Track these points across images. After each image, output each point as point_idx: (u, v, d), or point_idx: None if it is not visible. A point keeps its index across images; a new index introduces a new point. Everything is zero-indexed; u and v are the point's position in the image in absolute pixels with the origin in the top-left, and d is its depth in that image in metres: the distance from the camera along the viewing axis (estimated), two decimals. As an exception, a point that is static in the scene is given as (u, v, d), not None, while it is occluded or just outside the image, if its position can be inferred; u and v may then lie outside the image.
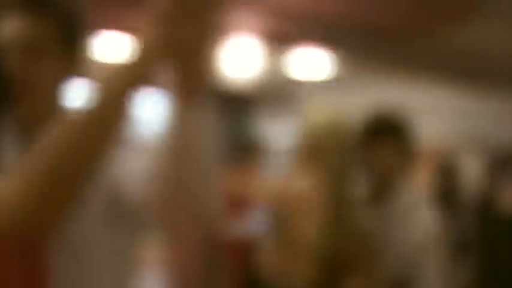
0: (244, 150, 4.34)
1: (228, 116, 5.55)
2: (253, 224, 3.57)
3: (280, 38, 6.19)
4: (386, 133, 2.37)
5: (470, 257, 5.15)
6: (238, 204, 3.80)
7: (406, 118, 2.44)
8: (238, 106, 5.54)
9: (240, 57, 5.86)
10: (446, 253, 2.37)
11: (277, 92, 8.63)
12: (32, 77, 1.29)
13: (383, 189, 2.37)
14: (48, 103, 1.32)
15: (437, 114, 8.03)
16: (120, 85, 1.09)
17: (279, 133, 6.81)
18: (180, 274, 4.05)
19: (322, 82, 8.07)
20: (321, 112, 2.41)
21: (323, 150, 2.31)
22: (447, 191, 5.84)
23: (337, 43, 6.37)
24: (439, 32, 5.98)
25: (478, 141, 7.69)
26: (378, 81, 7.70)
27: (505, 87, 7.29)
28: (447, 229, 5.87)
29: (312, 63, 6.85)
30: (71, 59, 1.34)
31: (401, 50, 6.51)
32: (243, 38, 5.89)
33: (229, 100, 5.66)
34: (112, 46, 5.82)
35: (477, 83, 7.33)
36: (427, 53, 6.55)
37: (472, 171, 6.31)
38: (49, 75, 1.31)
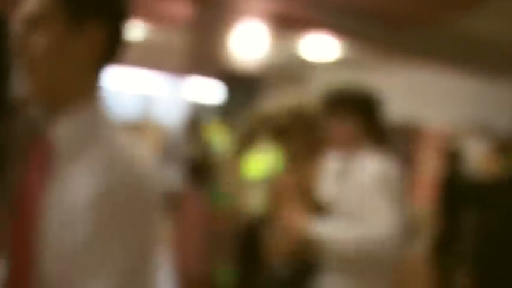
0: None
1: (238, 98, 5.69)
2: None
3: (290, 23, 6.28)
4: (343, 105, 2.36)
5: (467, 247, 5.21)
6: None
7: (368, 93, 2.41)
8: (248, 88, 5.67)
9: (250, 40, 5.95)
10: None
11: (287, 75, 8.73)
12: (36, 50, 1.27)
13: (346, 160, 2.37)
14: (60, 78, 1.29)
15: (445, 100, 8.12)
16: None
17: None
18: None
19: (331, 64, 8.19)
20: (286, 97, 2.49)
21: (288, 131, 2.40)
22: (451, 174, 5.96)
23: (346, 28, 6.46)
24: (446, 19, 6.05)
25: (481, 126, 7.77)
26: (386, 66, 7.78)
27: (510, 74, 7.36)
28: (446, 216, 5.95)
29: (321, 47, 6.94)
30: (83, 33, 1.29)
31: (408, 37, 6.59)
32: (253, 23, 5.99)
33: (240, 82, 5.77)
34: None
35: (483, 70, 7.39)
36: (433, 40, 6.63)
37: (474, 155, 6.42)
38: (56, 49, 1.27)
